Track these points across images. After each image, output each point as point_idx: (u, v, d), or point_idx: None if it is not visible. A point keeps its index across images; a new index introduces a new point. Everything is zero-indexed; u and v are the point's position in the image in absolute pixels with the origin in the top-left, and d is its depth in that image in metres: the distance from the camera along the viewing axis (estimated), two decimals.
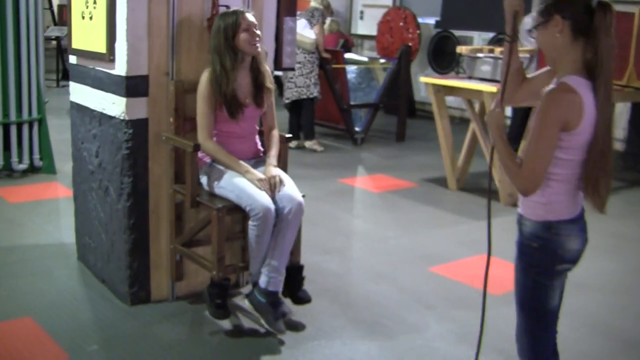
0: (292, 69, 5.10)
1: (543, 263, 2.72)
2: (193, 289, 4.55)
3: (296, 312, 4.30)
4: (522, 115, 8.19)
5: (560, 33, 2.63)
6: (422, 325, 4.32)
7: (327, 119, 10.57)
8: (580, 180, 2.67)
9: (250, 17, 4.11)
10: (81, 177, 4.78)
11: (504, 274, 5.19)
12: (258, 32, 4.12)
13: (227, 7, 4.27)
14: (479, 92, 6.93)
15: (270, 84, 4.31)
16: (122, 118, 4.17)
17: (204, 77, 4.12)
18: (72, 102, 4.82)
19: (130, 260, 4.29)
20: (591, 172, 2.64)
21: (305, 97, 9.31)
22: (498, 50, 7.15)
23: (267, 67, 4.37)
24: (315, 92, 9.38)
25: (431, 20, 13.03)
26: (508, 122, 8.84)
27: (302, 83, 9.27)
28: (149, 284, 4.39)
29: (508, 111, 8.92)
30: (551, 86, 2.64)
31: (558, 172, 2.64)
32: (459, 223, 6.53)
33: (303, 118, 9.50)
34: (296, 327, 4.18)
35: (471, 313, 4.50)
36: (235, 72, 4.10)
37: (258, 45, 4.14)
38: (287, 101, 9.42)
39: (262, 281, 4.06)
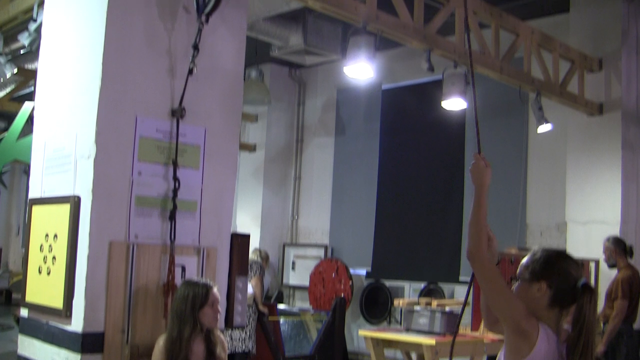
0: (243, 327, 5.20)
1: None
2: None
3: None
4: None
5: (540, 295, 2.79)
6: None
7: None
8: None
9: (217, 293, 4.29)
10: None
11: None
12: (220, 308, 4.32)
13: (183, 267, 4.43)
14: (418, 345, 7.06)
15: (223, 353, 4.41)
16: None
17: (159, 343, 4.19)
18: (19, 356, 4.76)
19: None
20: None
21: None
22: (434, 303, 7.39)
23: (221, 335, 4.48)
24: (250, 346, 9.29)
25: (362, 271, 13.36)
26: None
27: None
28: None
29: None
30: None
31: None
32: None
33: None
34: None
35: None
36: (191, 340, 4.18)
37: (219, 320, 4.32)
38: None
39: None
